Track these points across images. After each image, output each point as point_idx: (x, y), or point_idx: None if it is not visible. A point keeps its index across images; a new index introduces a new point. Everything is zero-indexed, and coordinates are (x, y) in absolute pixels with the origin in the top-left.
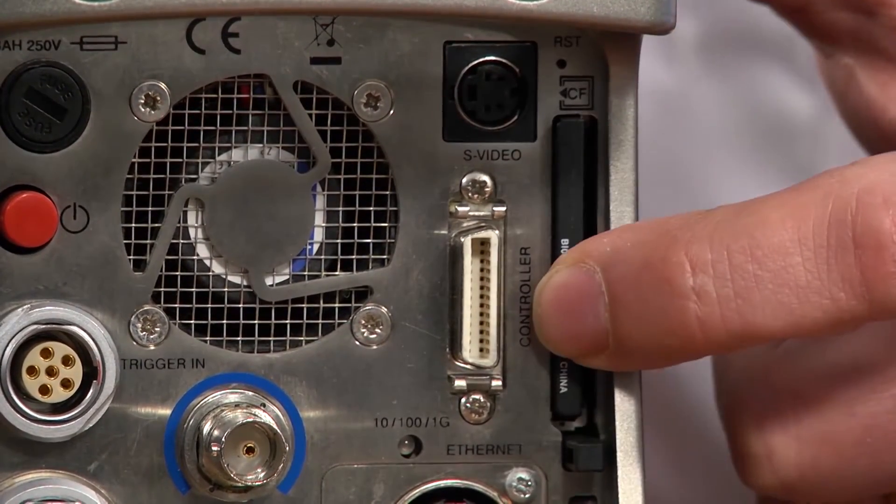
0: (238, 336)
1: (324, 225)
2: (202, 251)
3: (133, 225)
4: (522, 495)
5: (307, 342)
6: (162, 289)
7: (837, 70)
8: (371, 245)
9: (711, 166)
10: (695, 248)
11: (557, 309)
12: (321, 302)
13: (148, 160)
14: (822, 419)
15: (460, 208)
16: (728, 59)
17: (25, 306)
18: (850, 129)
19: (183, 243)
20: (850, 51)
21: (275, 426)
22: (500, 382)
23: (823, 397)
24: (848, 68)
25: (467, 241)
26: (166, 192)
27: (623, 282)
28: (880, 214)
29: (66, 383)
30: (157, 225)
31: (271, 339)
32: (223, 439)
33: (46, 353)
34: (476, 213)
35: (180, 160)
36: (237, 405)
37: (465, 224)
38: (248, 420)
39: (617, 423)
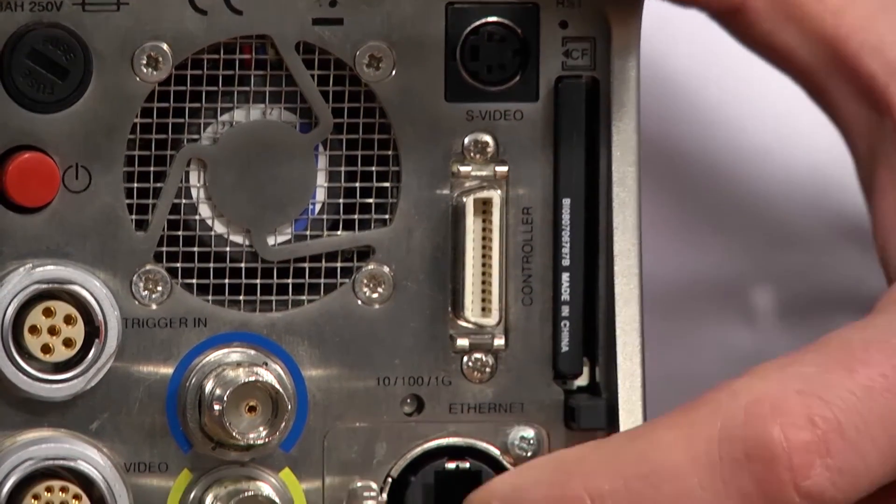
0: (240, 295)
1: (326, 185)
2: (204, 211)
3: (135, 185)
4: (525, 454)
5: (309, 302)
6: (164, 248)
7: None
8: (373, 205)
9: None
10: (592, 481)
11: None
12: (323, 261)
13: (150, 121)
14: None
15: (462, 168)
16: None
17: (27, 266)
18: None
19: (185, 203)
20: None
21: (277, 385)
22: (502, 341)
23: None
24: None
25: (469, 201)
26: (168, 152)
27: None
28: (768, 425)
29: (68, 342)
30: (159, 185)
31: (273, 298)
32: (225, 398)
33: (48, 313)
34: (478, 174)
35: (182, 121)
36: (239, 364)
37: (467, 184)
38: (251, 379)
39: (619, 381)
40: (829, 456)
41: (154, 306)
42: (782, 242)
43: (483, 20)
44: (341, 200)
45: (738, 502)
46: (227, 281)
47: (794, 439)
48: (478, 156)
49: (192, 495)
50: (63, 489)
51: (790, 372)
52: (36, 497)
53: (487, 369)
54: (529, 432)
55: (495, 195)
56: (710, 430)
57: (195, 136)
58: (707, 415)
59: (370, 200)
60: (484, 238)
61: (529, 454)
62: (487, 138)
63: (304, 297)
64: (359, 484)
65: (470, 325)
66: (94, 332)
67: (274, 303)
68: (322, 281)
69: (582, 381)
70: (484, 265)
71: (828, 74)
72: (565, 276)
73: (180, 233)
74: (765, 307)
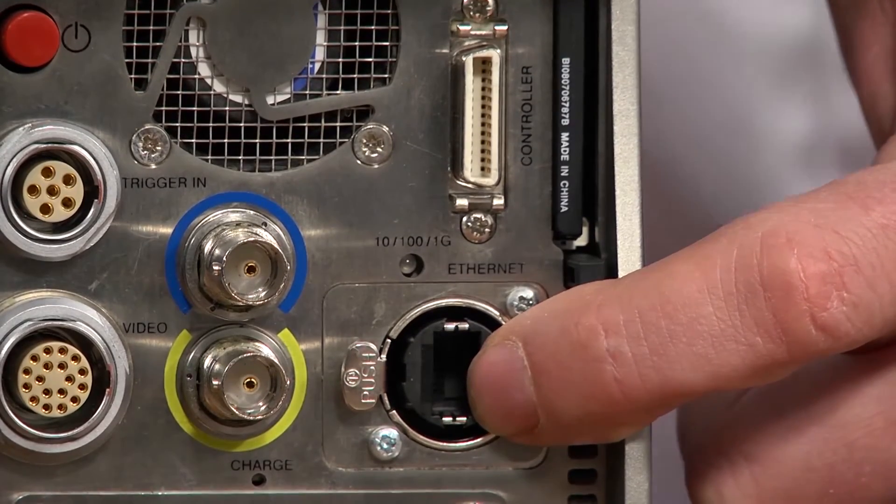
0: (239, 155)
1: (325, 44)
2: (204, 70)
3: (134, 44)
4: None
5: (308, 161)
6: (163, 108)
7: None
8: (372, 64)
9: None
10: (606, 311)
11: (486, 388)
12: (322, 121)
13: None
14: (781, 478)
15: (462, 27)
16: None
17: (27, 125)
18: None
19: (184, 62)
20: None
21: (276, 245)
22: (501, 201)
23: (779, 456)
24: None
25: (469, 60)
26: (168, 10)
27: (542, 352)
28: (785, 254)
29: (67, 202)
30: (158, 44)
31: (272, 158)
32: (224, 258)
33: (48, 172)
34: (477, 32)
35: None
36: (238, 224)
37: (466, 43)
38: (250, 239)
39: (618, 241)
40: (844, 289)
41: (153, 166)
42: None
43: None
44: (341, 59)
45: (754, 331)
46: (226, 140)
47: (811, 270)
48: (477, 14)
49: (190, 356)
50: (62, 350)
51: (806, 207)
52: (34, 358)
53: (486, 229)
54: (528, 292)
55: (495, 54)
56: (726, 260)
57: None
58: (723, 246)
59: (370, 59)
60: (483, 97)
61: None
62: None
63: (303, 157)
64: (358, 344)
65: (469, 185)
66: (93, 191)
67: (273, 162)
68: (321, 140)
69: (581, 241)
70: (483, 125)
71: None
72: (565, 136)
73: (180, 92)
74: None
